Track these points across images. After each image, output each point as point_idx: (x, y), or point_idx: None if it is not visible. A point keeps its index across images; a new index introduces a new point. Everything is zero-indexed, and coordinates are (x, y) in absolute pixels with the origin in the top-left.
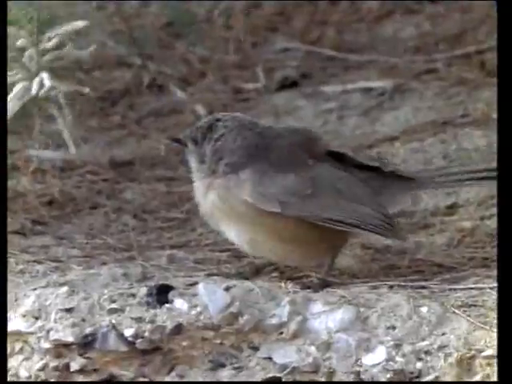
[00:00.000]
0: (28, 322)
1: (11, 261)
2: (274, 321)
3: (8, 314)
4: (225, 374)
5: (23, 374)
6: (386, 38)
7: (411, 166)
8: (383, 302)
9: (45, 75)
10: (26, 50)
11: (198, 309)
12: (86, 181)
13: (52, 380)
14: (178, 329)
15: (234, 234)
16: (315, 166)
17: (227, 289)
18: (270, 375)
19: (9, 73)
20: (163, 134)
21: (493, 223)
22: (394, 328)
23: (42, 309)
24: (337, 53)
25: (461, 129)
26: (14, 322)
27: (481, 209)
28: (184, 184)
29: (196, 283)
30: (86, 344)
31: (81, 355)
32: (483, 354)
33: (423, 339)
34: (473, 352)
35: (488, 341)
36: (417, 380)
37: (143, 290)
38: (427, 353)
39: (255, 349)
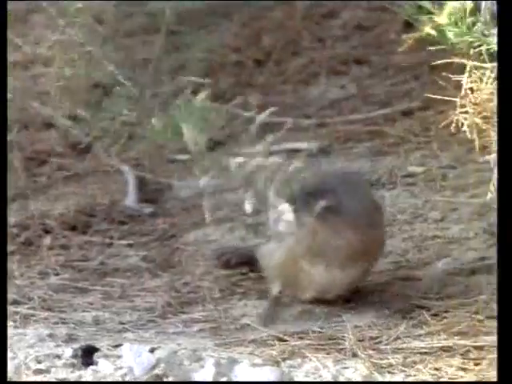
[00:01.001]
0: None
1: None
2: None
3: None
4: None
5: None
6: (312, 100)
7: None
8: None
9: None
10: None
11: (124, 370)
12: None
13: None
14: None
15: None
16: None
17: (152, 350)
18: None
19: None
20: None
21: None
22: None
23: None
24: (261, 114)
25: (387, 190)
26: None
27: None
28: None
29: (121, 344)
30: None
31: None
32: None
33: None
34: None
35: None
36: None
37: (68, 352)
38: None
39: None
